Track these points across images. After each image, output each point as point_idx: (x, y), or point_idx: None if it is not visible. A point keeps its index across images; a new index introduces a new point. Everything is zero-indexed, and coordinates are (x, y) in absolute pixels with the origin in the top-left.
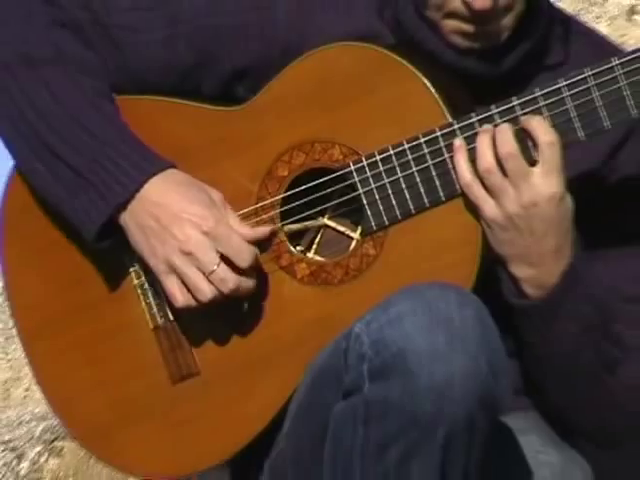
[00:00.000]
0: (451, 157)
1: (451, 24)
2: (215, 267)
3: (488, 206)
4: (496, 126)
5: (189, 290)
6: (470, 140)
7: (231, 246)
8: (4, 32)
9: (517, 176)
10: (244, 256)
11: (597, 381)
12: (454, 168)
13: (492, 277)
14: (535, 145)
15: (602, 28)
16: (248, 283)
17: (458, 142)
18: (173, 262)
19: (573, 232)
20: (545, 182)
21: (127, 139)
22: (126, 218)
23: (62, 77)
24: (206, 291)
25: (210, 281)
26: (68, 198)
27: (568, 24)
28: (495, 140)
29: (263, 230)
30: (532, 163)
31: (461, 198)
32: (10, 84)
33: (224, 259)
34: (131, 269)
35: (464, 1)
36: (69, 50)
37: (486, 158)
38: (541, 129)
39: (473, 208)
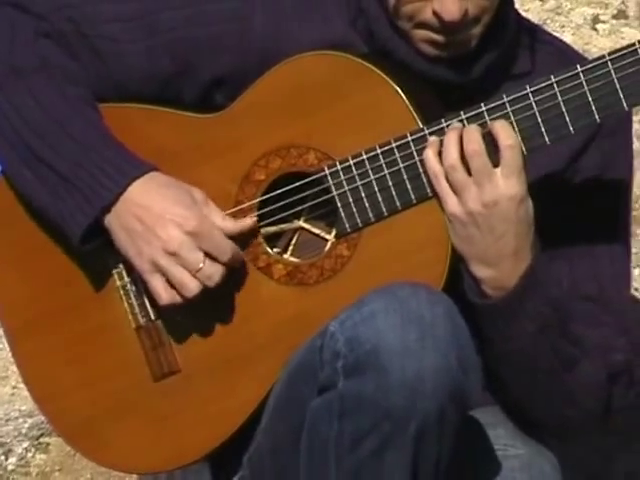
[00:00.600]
0: (421, 161)
1: (421, 33)
2: (201, 265)
3: (451, 200)
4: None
5: (173, 288)
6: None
7: (213, 243)
8: None
9: (481, 175)
10: (226, 251)
11: (555, 379)
12: (425, 172)
13: (462, 276)
14: (497, 149)
15: (567, 37)
16: (226, 278)
17: (432, 138)
18: (158, 262)
19: (532, 235)
20: (506, 183)
21: (110, 144)
22: (111, 220)
23: (47, 85)
24: (192, 287)
25: (197, 278)
26: (53, 202)
27: (534, 33)
28: (462, 138)
29: (246, 222)
30: (496, 165)
31: (432, 201)
32: None
33: (208, 256)
34: (114, 271)
35: (434, 13)
36: (53, 59)
37: (451, 155)
38: (503, 133)
39: (442, 210)
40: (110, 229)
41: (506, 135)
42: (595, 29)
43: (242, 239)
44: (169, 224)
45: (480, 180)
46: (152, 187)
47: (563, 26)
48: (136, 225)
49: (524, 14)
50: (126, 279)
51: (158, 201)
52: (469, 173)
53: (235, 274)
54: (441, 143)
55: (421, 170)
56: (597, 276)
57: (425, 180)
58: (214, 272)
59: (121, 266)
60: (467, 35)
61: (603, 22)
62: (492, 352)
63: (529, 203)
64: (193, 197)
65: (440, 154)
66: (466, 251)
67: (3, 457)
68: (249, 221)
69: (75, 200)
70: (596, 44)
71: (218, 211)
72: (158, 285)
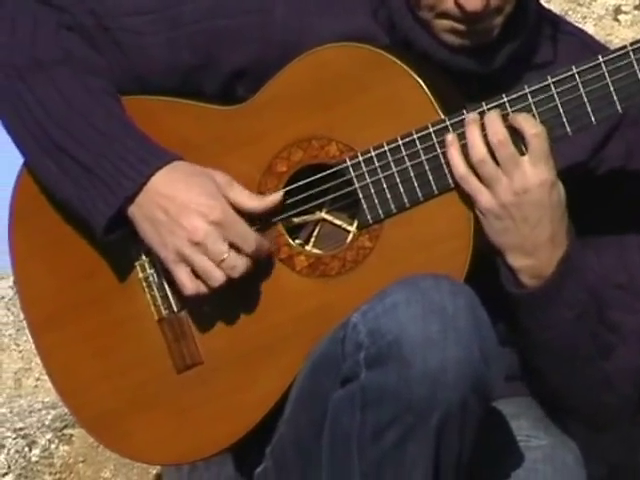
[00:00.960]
0: (443, 152)
1: (443, 23)
2: (225, 255)
3: (483, 196)
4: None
5: (198, 278)
6: (462, 136)
7: (238, 234)
8: (13, 38)
9: (509, 164)
10: (250, 242)
11: (593, 365)
12: (447, 163)
13: (485, 267)
14: (523, 139)
15: (589, 27)
16: (251, 268)
17: (450, 137)
18: (183, 252)
19: (567, 220)
20: (535, 170)
21: (133, 134)
22: (135, 211)
23: (70, 77)
24: (218, 277)
25: (221, 268)
26: (77, 193)
27: (556, 24)
28: (486, 129)
29: (272, 199)
30: (522, 154)
31: (453, 191)
32: (20, 87)
33: (232, 246)
34: (136, 262)
35: (457, 3)
36: (76, 52)
37: (479, 148)
38: (527, 123)
39: (465, 201)
40: (134, 219)
41: (531, 125)
42: (617, 20)
43: (264, 230)
44: (193, 214)
45: (509, 170)
46: (176, 177)
47: (585, 17)
48: (160, 215)
49: (546, 5)
50: (149, 271)
51: (182, 191)
52: (496, 164)
53: (257, 266)
54: (460, 138)
55: (443, 161)
56: (626, 265)
57: (447, 171)
58: (239, 263)
59: (144, 258)
60: (489, 24)
61: (625, 13)
62: (530, 341)
63: (560, 188)
64: (217, 182)
65: (463, 151)
66: (503, 243)
67: (27, 448)
68: (275, 197)
69: (98, 191)
70: (618, 35)
71: (244, 191)
72: (183, 275)
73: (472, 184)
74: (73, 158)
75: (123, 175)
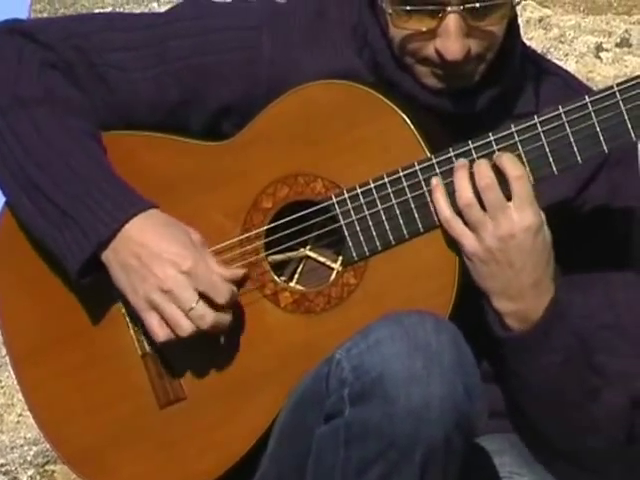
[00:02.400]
0: (429, 191)
1: (424, 68)
2: (194, 304)
3: (468, 240)
4: (473, 161)
5: (168, 325)
6: (447, 174)
7: (209, 284)
8: None
9: (495, 208)
10: (222, 293)
11: (580, 409)
12: (432, 202)
13: (470, 304)
14: (506, 181)
15: (570, 65)
16: (226, 318)
17: (435, 180)
18: (153, 299)
19: (553, 264)
20: (520, 215)
21: (110, 179)
22: (108, 256)
23: (50, 117)
24: (185, 327)
25: (189, 317)
26: (52, 234)
27: (539, 63)
28: (474, 174)
29: (239, 272)
30: (507, 198)
31: (439, 229)
32: (2, 127)
33: (203, 297)
34: (118, 298)
35: (437, 51)
36: (57, 91)
37: (466, 193)
38: (510, 164)
39: (450, 239)
40: (107, 264)
41: (513, 167)
42: (599, 57)
43: (249, 267)
44: (166, 263)
45: (495, 214)
46: (150, 225)
47: (567, 54)
48: (133, 262)
49: (528, 42)
50: (131, 306)
51: (156, 239)
52: (483, 209)
53: (242, 302)
54: (445, 176)
55: (429, 199)
56: (612, 304)
57: (433, 209)
58: (206, 313)
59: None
60: (470, 70)
61: (606, 50)
62: (517, 384)
63: (546, 231)
64: (191, 238)
65: (449, 192)
66: (489, 287)
67: None
68: (241, 271)
69: (73, 234)
70: (600, 72)
71: (213, 257)
72: (153, 323)
73: (457, 228)
74: (49, 199)
75: (98, 220)
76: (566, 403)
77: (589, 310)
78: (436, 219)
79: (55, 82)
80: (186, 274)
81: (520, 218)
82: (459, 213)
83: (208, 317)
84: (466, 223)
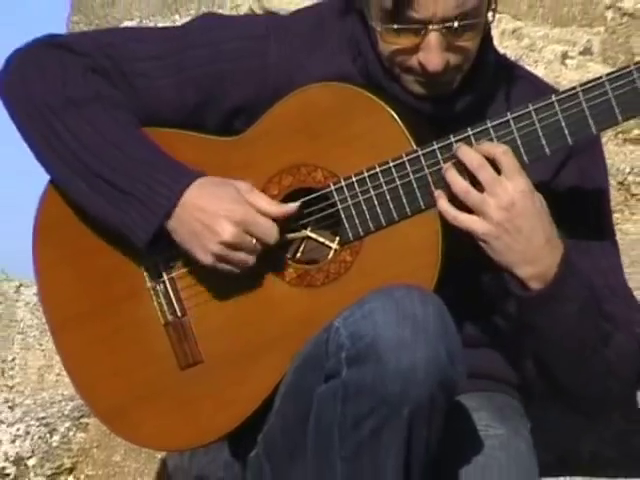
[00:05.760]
0: (416, 178)
1: (410, 77)
2: (254, 246)
3: (477, 224)
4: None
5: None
6: (433, 165)
7: (259, 228)
8: (44, 81)
9: (491, 183)
10: (271, 234)
11: (597, 353)
12: (418, 187)
13: (453, 279)
14: (492, 160)
15: (540, 70)
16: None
17: (437, 193)
18: (219, 252)
19: (554, 225)
20: (513, 182)
21: (161, 158)
22: (174, 224)
23: (101, 112)
24: (252, 260)
25: (254, 253)
26: (115, 213)
27: (512, 69)
28: (463, 160)
29: (289, 207)
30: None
31: (424, 212)
32: (53, 122)
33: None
34: (145, 273)
35: (420, 63)
36: (103, 91)
37: (460, 182)
38: (492, 146)
39: (435, 220)
40: (172, 231)
41: (496, 146)
42: (564, 64)
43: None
44: (222, 219)
45: (492, 189)
46: (204, 190)
47: (536, 61)
48: (196, 225)
49: (503, 50)
50: (156, 281)
51: (210, 201)
52: (480, 191)
53: (252, 277)
54: (430, 166)
55: (415, 186)
56: (598, 269)
57: (419, 195)
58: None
59: (151, 269)
60: (449, 78)
61: (571, 58)
62: (540, 338)
63: (539, 195)
64: (238, 189)
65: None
66: (509, 260)
67: (48, 435)
68: (292, 205)
69: (138, 211)
70: (565, 77)
71: (263, 196)
72: (226, 268)
73: (464, 221)
74: (112, 184)
75: (160, 195)
76: (585, 348)
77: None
78: (422, 203)
79: (99, 83)
80: (240, 224)
81: (514, 185)
82: (456, 205)
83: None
84: (469, 209)
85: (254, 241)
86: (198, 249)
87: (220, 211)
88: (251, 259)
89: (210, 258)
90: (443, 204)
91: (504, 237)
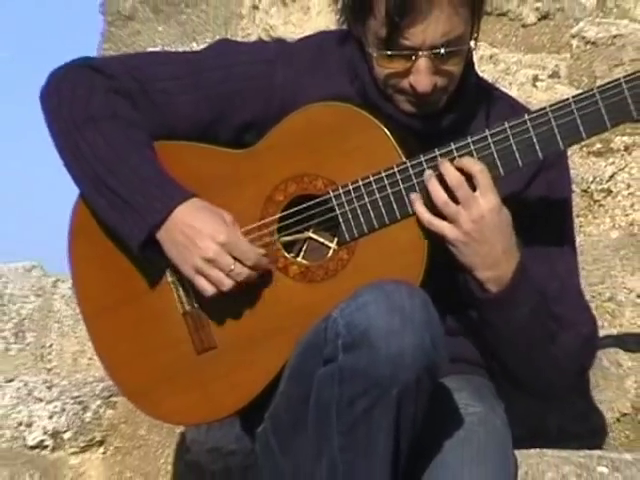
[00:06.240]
0: (405, 187)
1: (401, 97)
2: (232, 266)
3: (449, 230)
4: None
5: (213, 284)
6: (418, 175)
7: (240, 251)
8: (74, 98)
9: (466, 200)
10: (250, 257)
11: (544, 350)
12: (407, 195)
13: (437, 277)
14: (470, 177)
15: (513, 91)
16: (254, 275)
17: (414, 195)
18: (199, 266)
19: (514, 236)
20: (485, 199)
21: (161, 176)
22: (162, 235)
23: (115, 130)
24: (227, 283)
25: (229, 276)
26: (118, 219)
27: (490, 91)
28: (444, 177)
29: (259, 252)
30: (472, 189)
31: (412, 217)
32: (77, 137)
33: (236, 260)
34: (166, 270)
35: (411, 85)
36: (120, 111)
37: (440, 194)
38: (471, 162)
39: (420, 226)
40: (161, 241)
41: (474, 163)
42: (535, 86)
43: (266, 246)
44: (205, 237)
45: (467, 204)
46: (192, 209)
47: (511, 83)
48: (181, 238)
49: (481, 74)
50: (175, 276)
51: (197, 220)
52: (455, 202)
53: (260, 273)
54: (417, 176)
55: (404, 193)
56: (556, 274)
57: (407, 201)
58: (242, 271)
59: (171, 266)
60: (436, 98)
61: (541, 80)
62: (495, 335)
63: (505, 210)
64: (224, 217)
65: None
66: (472, 263)
67: (82, 412)
68: (260, 252)
69: (134, 219)
70: (536, 97)
71: (240, 232)
72: (202, 284)
73: (438, 225)
74: (116, 193)
75: (153, 208)
76: (533, 345)
77: (540, 280)
78: (410, 209)
79: (118, 104)
80: (222, 244)
81: (485, 202)
82: (434, 212)
83: (244, 274)
84: (443, 217)
85: (233, 265)
86: (181, 260)
87: (206, 230)
88: (227, 282)
89: (190, 271)
90: (419, 207)
91: (471, 244)
